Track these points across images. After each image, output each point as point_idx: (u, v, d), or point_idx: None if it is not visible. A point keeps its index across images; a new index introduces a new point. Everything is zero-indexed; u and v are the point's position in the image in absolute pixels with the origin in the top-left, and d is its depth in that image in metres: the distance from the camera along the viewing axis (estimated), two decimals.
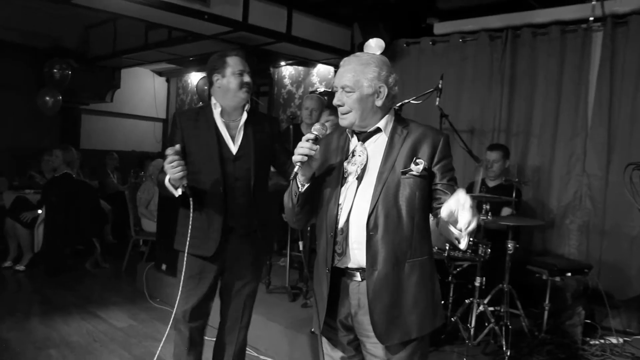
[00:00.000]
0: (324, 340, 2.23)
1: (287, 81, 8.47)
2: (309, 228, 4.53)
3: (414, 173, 1.98)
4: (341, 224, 2.04)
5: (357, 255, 2.02)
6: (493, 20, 5.50)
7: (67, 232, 6.18)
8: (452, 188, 1.96)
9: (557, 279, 4.12)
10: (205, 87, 6.55)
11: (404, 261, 1.98)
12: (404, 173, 1.98)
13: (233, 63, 2.80)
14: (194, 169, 2.80)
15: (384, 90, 2.03)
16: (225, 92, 2.82)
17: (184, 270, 2.74)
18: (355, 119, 2.03)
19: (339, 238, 2.04)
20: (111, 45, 7.69)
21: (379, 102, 2.04)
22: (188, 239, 2.72)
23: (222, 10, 5.31)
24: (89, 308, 5.04)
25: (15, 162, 7.61)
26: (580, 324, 4.18)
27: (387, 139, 2.06)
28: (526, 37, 5.33)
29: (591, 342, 4.13)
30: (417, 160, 1.98)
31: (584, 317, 4.21)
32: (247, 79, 2.82)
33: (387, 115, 2.09)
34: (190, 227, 2.67)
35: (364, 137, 2.09)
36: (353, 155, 2.10)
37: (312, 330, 3.87)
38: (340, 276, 2.08)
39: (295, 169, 2.01)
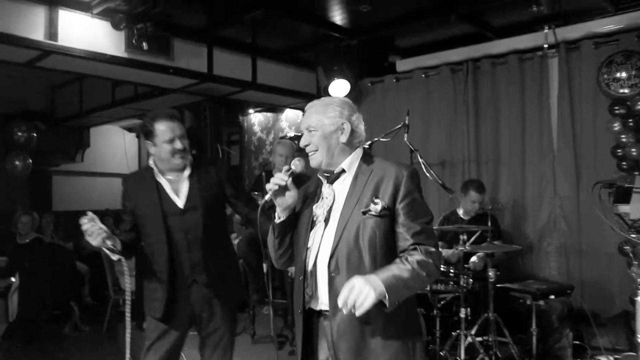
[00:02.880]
0: None
1: (256, 128, 8.52)
2: (289, 274, 4.50)
3: (373, 213, 1.97)
4: (310, 266, 2.05)
5: (324, 297, 2.01)
6: (453, 54, 5.65)
7: (42, 298, 6.00)
8: (414, 229, 1.95)
9: (541, 302, 4.13)
10: None
11: None
12: (364, 213, 1.97)
13: (162, 130, 2.71)
14: (144, 231, 2.81)
15: (347, 127, 2.07)
16: (160, 159, 2.79)
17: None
18: (323, 156, 2.06)
19: (309, 280, 2.05)
20: (78, 104, 7.67)
21: (343, 139, 2.07)
22: (127, 297, 2.66)
23: (186, 63, 5.37)
24: None
25: None
26: (569, 346, 4.19)
27: (351, 178, 2.08)
28: (486, 68, 5.48)
29: None
30: (375, 200, 1.97)
31: (572, 339, 4.21)
32: (178, 145, 2.72)
33: (352, 155, 2.11)
34: (128, 288, 2.63)
35: (332, 179, 2.11)
36: (322, 199, 2.12)
37: None
38: (315, 317, 2.08)
39: (266, 197, 2.06)
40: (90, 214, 2.46)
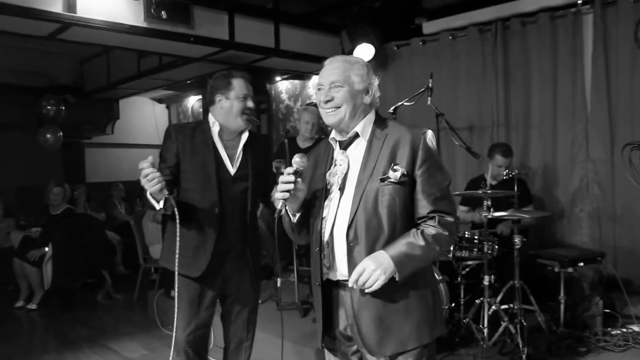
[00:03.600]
0: (328, 353, 2.18)
1: (284, 96, 8.44)
2: None
3: (392, 180, 1.89)
4: (326, 237, 1.99)
5: (343, 268, 1.96)
6: (481, 13, 5.42)
7: (75, 267, 6.17)
8: (432, 198, 1.90)
9: (570, 270, 4.00)
10: (200, 109, 6.54)
11: None
12: (382, 180, 1.90)
13: (238, 86, 2.74)
14: (188, 186, 2.75)
15: (372, 89, 1.99)
16: (227, 114, 2.76)
17: (176, 292, 2.67)
18: (346, 113, 1.95)
19: (325, 251, 1.99)
20: (106, 77, 7.73)
21: (367, 100, 1.99)
22: (177, 257, 2.55)
23: (207, 31, 5.31)
24: (101, 341, 5.00)
25: (21, 202, 7.64)
26: (599, 315, 4.04)
27: (366, 143, 1.99)
28: (516, 27, 5.24)
29: (612, 332, 3.97)
30: (395, 167, 1.89)
31: (603, 307, 4.08)
32: (250, 103, 2.76)
33: (365, 119, 2.01)
34: (177, 242, 2.53)
35: (345, 144, 2.02)
36: (335, 165, 2.03)
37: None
38: (333, 288, 2.03)
39: (279, 207, 1.97)
40: (150, 157, 2.35)
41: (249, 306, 2.96)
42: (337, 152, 2.05)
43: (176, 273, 2.59)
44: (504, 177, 4.28)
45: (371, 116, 2.04)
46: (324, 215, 2.00)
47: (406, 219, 1.93)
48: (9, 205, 7.33)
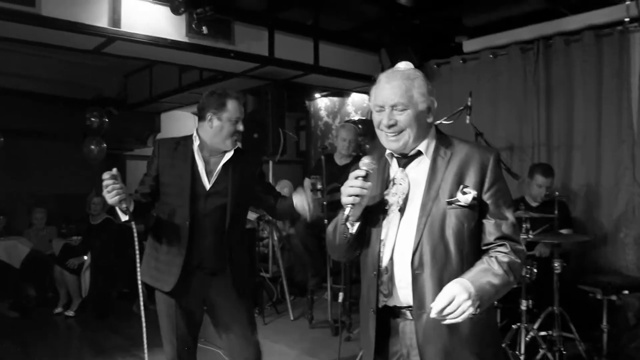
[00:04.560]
0: None
1: (323, 113, 8.48)
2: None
3: (462, 204, 1.77)
4: (385, 262, 1.85)
5: (404, 295, 1.84)
6: (523, 32, 5.33)
7: (112, 276, 6.28)
8: (504, 223, 1.79)
9: (613, 297, 3.85)
10: None
11: None
12: (449, 203, 1.78)
13: (232, 109, 2.74)
14: (165, 200, 2.79)
15: (434, 106, 1.87)
16: (216, 135, 2.76)
17: (142, 307, 2.70)
18: (410, 137, 1.83)
19: (383, 278, 1.85)
20: (148, 90, 7.91)
21: (430, 119, 1.87)
22: (138, 269, 2.62)
23: (247, 46, 5.37)
24: (133, 351, 5.03)
25: (63, 210, 7.83)
26: None
27: (429, 162, 1.87)
28: (559, 46, 5.12)
29: None
30: (465, 190, 1.77)
31: None
32: (240, 127, 2.77)
33: (428, 137, 1.88)
34: (137, 254, 2.57)
35: (404, 162, 1.90)
36: (394, 184, 1.91)
37: None
38: (388, 315, 1.90)
39: (347, 212, 1.80)
40: (114, 170, 2.44)
41: (235, 326, 2.88)
42: (396, 170, 1.93)
43: (139, 285, 2.65)
44: (545, 199, 4.16)
45: (433, 132, 1.92)
46: (381, 238, 1.87)
47: (474, 246, 1.82)
48: (51, 213, 7.52)
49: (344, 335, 4.52)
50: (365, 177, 1.80)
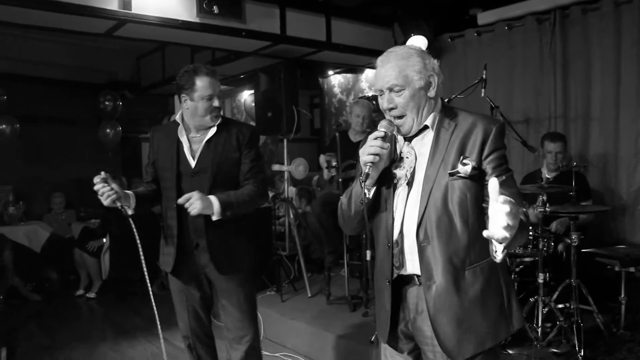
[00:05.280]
0: (387, 349, 2.10)
1: (336, 90, 8.43)
2: (364, 236, 4.44)
3: (462, 175, 1.79)
4: (395, 235, 1.91)
5: (413, 266, 1.89)
6: (538, 2, 5.20)
7: (130, 258, 6.33)
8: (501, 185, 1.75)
9: (632, 269, 3.81)
10: (253, 104, 6.59)
11: (463, 269, 1.83)
12: (451, 175, 1.80)
13: (202, 86, 2.66)
14: (162, 184, 2.86)
15: (435, 80, 1.87)
16: (193, 115, 2.74)
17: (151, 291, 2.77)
18: (413, 120, 1.87)
19: (395, 250, 1.91)
20: (161, 72, 7.92)
21: (432, 93, 1.88)
22: (143, 259, 2.68)
23: (259, 25, 5.33)
24: (154, 331, 5.11)
25: (80, 194, 7.93)
26: None
27: (432, 134, 1.89)
28: (576, 16, 5.01)
29: None
30: (465, 161, 1.79)
31: None
32: (216, 103, 2.70)
33: (433, 111, 1.91)
34: (140, 247, 2.65)
35: (410, 136, 1.93)
36: (401, 158, 1.94)
37: (372, 339, 3.77)
38: (399, 284, 1.96)
39: (367, 170, 1.81)
40: (103, 173, 2.53)
41: (227, 301, 2.91)
42: (402, 144, 1.96)
43: (145, 273, 2.69)
44: (560, 168, 4.11)
45: (439, 105, 1.94)
46: (393, 210, 1.92)
47: (479, 214, 1.83)
48: (69, 198, 7.62)
49: (362, 310, 4.56)
50: (384, 138, 1.83)
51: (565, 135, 4.66)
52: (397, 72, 1.83)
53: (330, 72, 8.31)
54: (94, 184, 2.51)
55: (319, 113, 8.84)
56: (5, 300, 5.91)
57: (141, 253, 2.61)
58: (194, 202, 2.53)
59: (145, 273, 2.62)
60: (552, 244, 3.73)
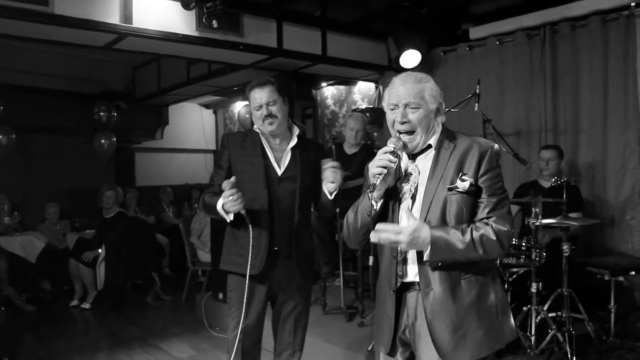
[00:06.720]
0: (383, 358, 2.18)
1: (329, 101, 8.50)
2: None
3: (460, 190, 1.94)
4: None
5: (414, 274, 2.02)
6: (529, 18, 5.37)
7: (126, 269, 6.38)
8: (491, 205, 1.95)
9: (621, 278, 3.93)
10: (247, 115, 6.67)
11: (459, 279, 1.96)
12: (450, 189, 1.95)
13: (253, 98, 2.87)
14: (241, 187, 2.80)
15: (442, 108, 2.04)
16: (256, 124, 2.94)
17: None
18: (421, 137, 2.01)
19: (399, 259, 2.04)
20: (156, 83, 7.97)
21: (442, 119, 2.05)
22: (249, 259, 2.75)
23: (256, 39, 5.42)
24: (150, 341, 5.16)
25: (75, 205, 7.94)
26: None
27: (434, 154, 2.04)
28: (565, 32, 5.17)
29: None
30: (463, 177, 1.94)
31: None
32: (265, 111, 2.83)
33: (436, 134, 2.06)
34: (250, 248, 2.73)
35: (414, 154, 2.08)
36: (406, 174, 2.08)
37: (369, 349, 3.84)
38: (401, 290, 2.07)
39: (376, 182, 1.95)
40: (233, 178, 2.63)
41: (298, 309, 3.00)
42: (407, 162, 2.10)
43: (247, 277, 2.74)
44: (558, 182, 4.21)
45: (440, 128, 2.08)
46: (397, 223, 2.03)
47: None
48: (64, 208, 7.61)
49: (357, 320, 4.62)
50: (393, 153, 1.96)
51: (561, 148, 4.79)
52: (416, 92, 1.99)
53: (324, 84, 8.39)
54: (223, 189, 2.61)
55: (312, 124, 8.91)
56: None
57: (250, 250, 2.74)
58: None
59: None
60: (544, 254, 3.82)
